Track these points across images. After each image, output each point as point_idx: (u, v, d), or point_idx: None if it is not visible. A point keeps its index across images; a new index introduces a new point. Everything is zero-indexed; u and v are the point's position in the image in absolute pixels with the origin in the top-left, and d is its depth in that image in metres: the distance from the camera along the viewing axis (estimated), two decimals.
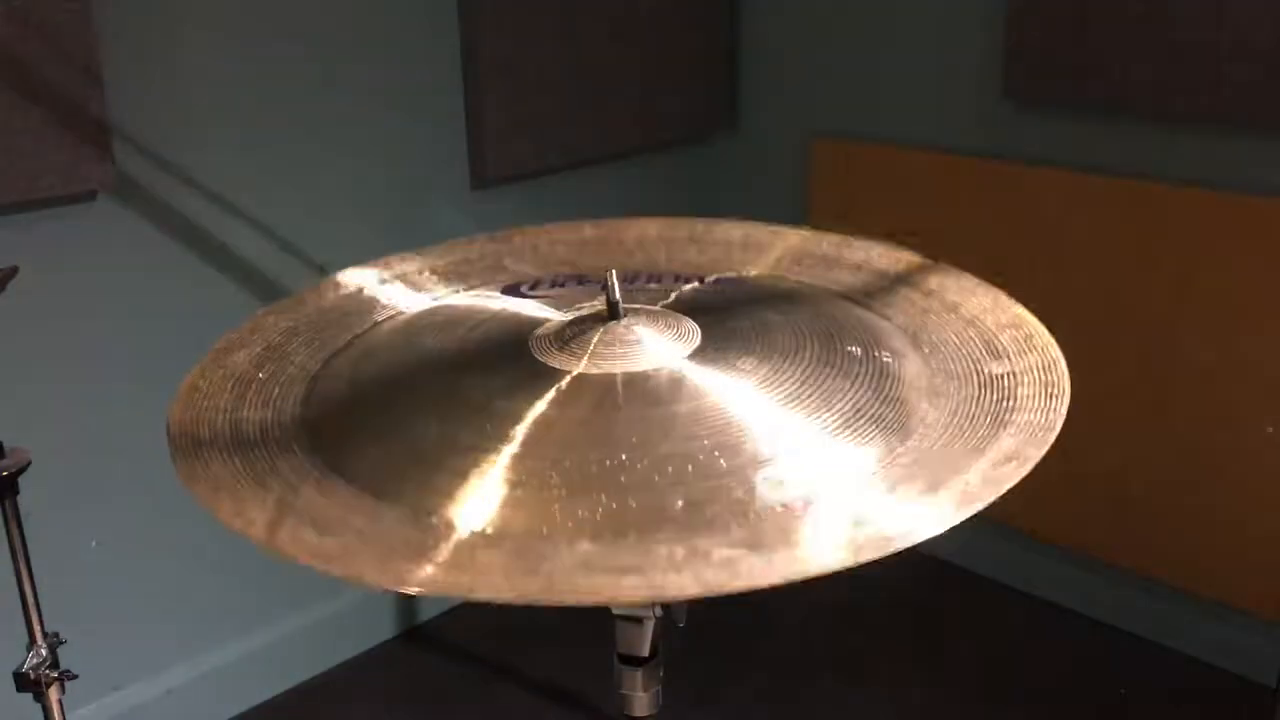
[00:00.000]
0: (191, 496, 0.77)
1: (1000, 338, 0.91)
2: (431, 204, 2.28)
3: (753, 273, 1.07)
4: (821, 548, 0.68)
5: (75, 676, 1.34)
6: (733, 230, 1.13)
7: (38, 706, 1.33)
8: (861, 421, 0.80)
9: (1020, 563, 2.41)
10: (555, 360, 0.85)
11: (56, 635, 1.34)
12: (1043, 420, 0.79)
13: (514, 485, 0.75)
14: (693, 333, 0.88)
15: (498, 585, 0.67)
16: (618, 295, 0.88)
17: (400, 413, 0.86)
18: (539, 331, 0.90)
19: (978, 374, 0.86)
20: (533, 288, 1.04)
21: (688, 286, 1.01)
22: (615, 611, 0.87)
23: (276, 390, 0.91)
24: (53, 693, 1.32)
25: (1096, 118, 2.20)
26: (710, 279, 1.03)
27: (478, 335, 0.95)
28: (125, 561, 1.99)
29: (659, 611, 0.87)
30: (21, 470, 1.27)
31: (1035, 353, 0.88)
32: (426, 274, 1.10)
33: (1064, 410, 0.80)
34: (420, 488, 0.76)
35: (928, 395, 0.84)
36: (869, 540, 0.68)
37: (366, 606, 2.33)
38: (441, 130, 2.28)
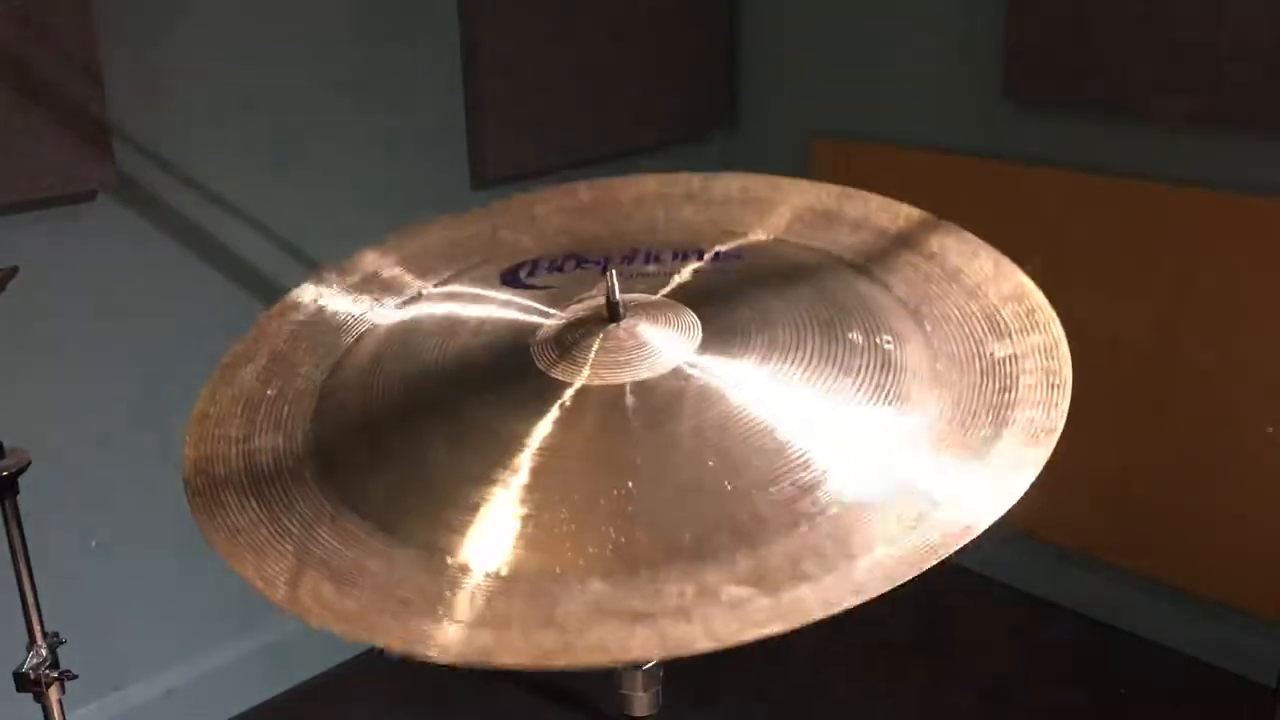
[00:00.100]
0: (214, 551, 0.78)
1: (1003, 312, 0.88)
2: (431, 204, 2.28)
3: (752, 238, 1.04)
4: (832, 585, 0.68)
5: (75, 676, 1.34)
6: (730, 184, 1.11)
7: (38, 706, 1.33)
8: (862, 426, 0.79)
9: (1020, 563, 2.41)
10: (558, 370, 0.84)
11: (56, 635, 1.34)
12: (1045, 418, 0.78)
13: (524, 520, 0.75)
14: (694, 328, 0.87)
15: (516, 647, 0.67)
16: (618, 295, 0.87)
17: (407, 434, 0.86)
18: (540, 335, 0.89)
19: (980, 357, 0.85)
20: (531, 273, 1.02)
21: (687, 269, 0.98)
22: None
23: (286, 409, 0.90)
24: (53, 693, 1.32)
25: (1096, 118, 2.20)
26: (709, 255, 1.00)
27: (479, 343, 0.93)
28: (125, 561, 1.99)
29: None
30: (21, 470, 1.27)
31: (1038, 330, 0.86)
32: (427, 256, 1.08)
33: (1065, 405, 0.79)
34: (432, 525, 0.76)
35: (930, 384, 0.83)
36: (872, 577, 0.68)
37: None
38: (441, 130, 2.28)
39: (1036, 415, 0.79)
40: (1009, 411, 0.80)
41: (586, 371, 0.84)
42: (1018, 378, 0.82)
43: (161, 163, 1.91)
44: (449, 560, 0.73)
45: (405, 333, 0.99)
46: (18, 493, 1.28)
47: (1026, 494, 0.74)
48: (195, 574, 2.05)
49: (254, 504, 0.81)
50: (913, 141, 2.44)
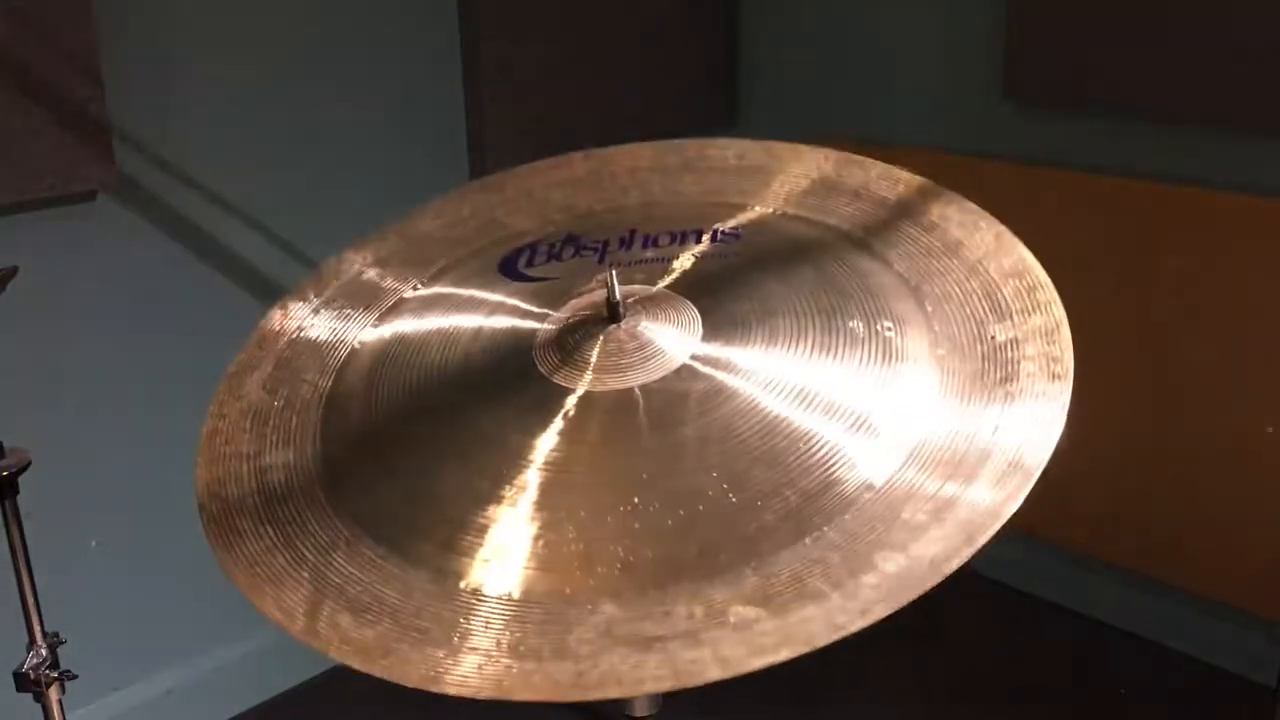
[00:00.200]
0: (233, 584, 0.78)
1: (1004, 289, 0.87)
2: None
3: (751, 213, 1.02)
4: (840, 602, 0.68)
5: (75, 676, 1.34)
6: (726, 150, 1.09)
7: (38, 706, 1.33)
8: (864, 429, 0.79)
9: (1021, 563, 2.41)
10: (560, 376, 0.84)
11: (56, 635, 1.34)
12: (1046, 416, 0.77)
13: (534, 540, 0.75)
14: (694, 324, 0.87)
15: (533, 681, 0.67)
16: (618, 295, 0.87)
17: (414, 448, 0.86)
18: (541, 337, 0.89)
19: (981, 340, 0.84)
20: (530, 262, 1.01)
21: (686, 254, 0.97)
22: None
23: (294, 420, 0.90)
24: (53, 693, 1.31)
25: (1096, 118, 2.20)
26: (707, 237, 0.99)
27: (480, 347, 0.93)
28: (125, 561, 1.99)
29: None
30: (21, 470, 1.27)
31: (1039, 311, 0.84)
32: (423, 245, 1.07)
33: (1067, 397, 0.78)
34: (444, 547, 0.76)
35: (932, 374, 0.82)
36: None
37: None
38: (441, 130, 2.27)
39: (1037, 413, 0.78)
40: (1010, 405, 0.79)
41: (589, 376, 0.84)
42: (1019, 363, 0.81)
43: (161, 163, 1.91)
44: (462, 584, 0.74)
45: (406, 335, 0.98)
46: (18, 493, 1.28)
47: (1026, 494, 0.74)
48: (195, 574, 2.04)
49: (269, 530, 0.81)
50: (913, 141, 2.44)
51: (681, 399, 0.81)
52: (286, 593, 0.76)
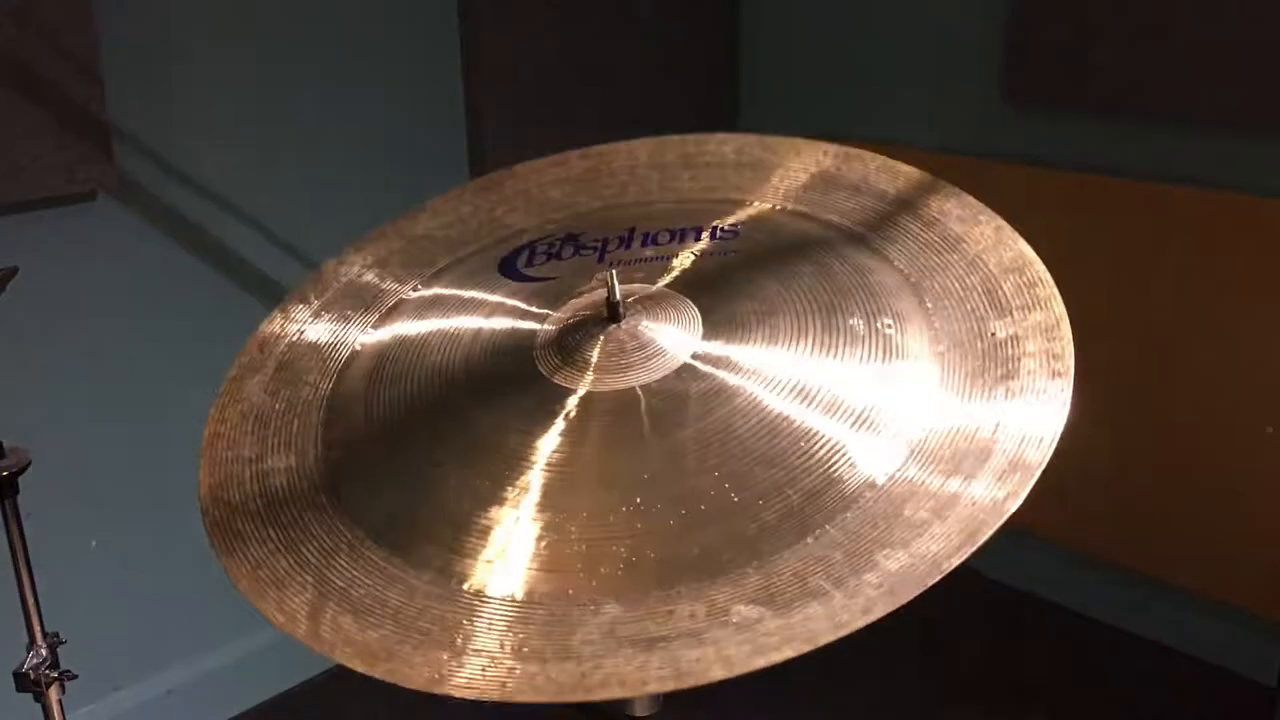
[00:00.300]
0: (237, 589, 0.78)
1: (1004, 285, 0.87)
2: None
3: (750, 209, 1.02)
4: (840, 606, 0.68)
5: (75, 676, 1.33)
6: (724, 146, 1.08)
7: (38, 706, 1.33)
8: (865, 427, 0.79)
9: (1021, 563, 2.41)
10: (561, 376, 0.84)
11: (56, 635, 1.34)
12: (1046, 413, 0.77)
13: (536, 541, 0.75)
14: (694, 323, 0.87)
15: (536, 683, 0.67)
16: (619, 295, 0.87)
17: (416, 449, 0.86)
18: (542, 337, 0.89)
19: (981, 337, 0.83)
20: (529, 261, 1.01)
21: (685, 252, 0.97)
22: None
23: (296, 423, 0.90)
24: (53, 693, 1.31)
25: (1096, 118, 2.20)
26: (706, 234, 0.99)
27: (481, 347, 0.92)
28: (125, 561, 1.99)
29: None
30: (21, 470, 1.27)
31: (1039, 307, 0.84)
32: (422, 246, 1.07)
33: (1068, 395, 0.78)
34: (447, 549, 0.76)
35: (932, 371, 0.82)
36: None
37: None
38: (441, 130, 2.27)
39: (1038, 410, 0.78)
40: (1011, 402, 0.79)
41: (590, 377, 0.84)
42: (1019, 360, 0.81)
43: (161, 163, 1.91)
44: (465, 586, 0.74)
45: (407, 337, 0.98)
46: (18, 493, 1.28)
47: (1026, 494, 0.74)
48: (195, 574, 2.05)
49: (272, 533, 0.81)
50: (913, 142, 2.43)
51: (682, 398, 0.81)
52: (290, 596, 0.76)
